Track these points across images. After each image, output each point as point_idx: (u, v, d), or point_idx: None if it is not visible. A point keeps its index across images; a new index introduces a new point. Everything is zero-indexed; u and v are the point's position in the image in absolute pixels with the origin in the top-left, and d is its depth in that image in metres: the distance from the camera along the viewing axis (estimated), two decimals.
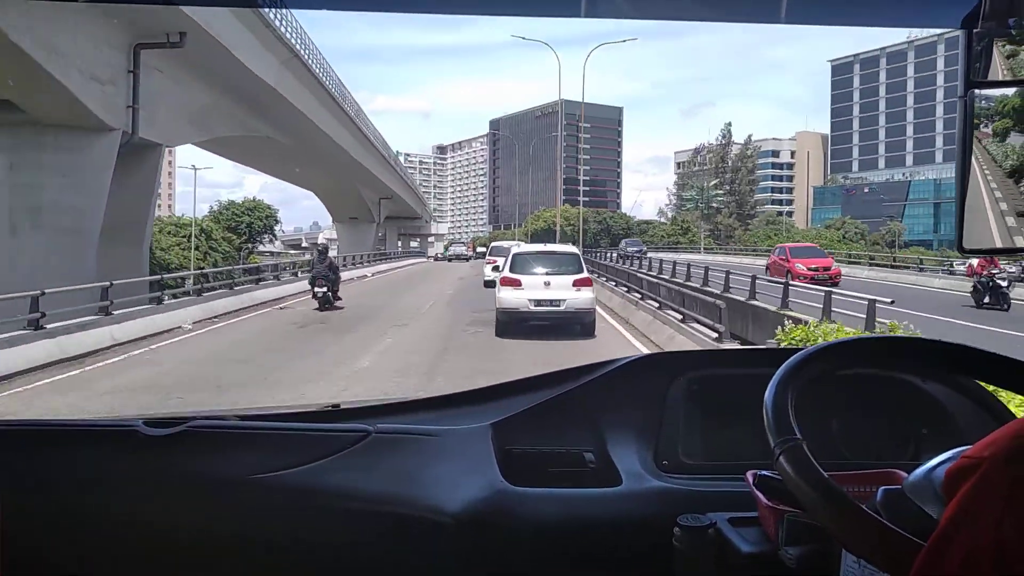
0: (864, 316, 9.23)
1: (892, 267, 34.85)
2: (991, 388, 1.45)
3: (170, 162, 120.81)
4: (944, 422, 1.47)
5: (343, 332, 14.95)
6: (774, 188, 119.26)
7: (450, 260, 61.04)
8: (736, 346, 10.69)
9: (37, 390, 9.49)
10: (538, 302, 13.79)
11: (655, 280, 17.11)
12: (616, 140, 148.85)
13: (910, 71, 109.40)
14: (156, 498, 1.38)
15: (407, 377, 9.73)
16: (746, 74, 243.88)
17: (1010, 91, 0.94)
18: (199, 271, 19.99)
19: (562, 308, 13.82)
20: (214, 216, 50.27)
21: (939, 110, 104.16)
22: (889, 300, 9.27)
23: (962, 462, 0.75)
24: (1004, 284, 18.37)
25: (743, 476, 1.22)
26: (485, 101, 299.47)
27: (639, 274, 19.68)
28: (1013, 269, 20.81)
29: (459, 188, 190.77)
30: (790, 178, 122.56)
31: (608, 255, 40.18)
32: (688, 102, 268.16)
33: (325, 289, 18.55)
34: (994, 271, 18.71)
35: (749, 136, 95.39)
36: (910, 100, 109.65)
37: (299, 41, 27.54)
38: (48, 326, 11.54)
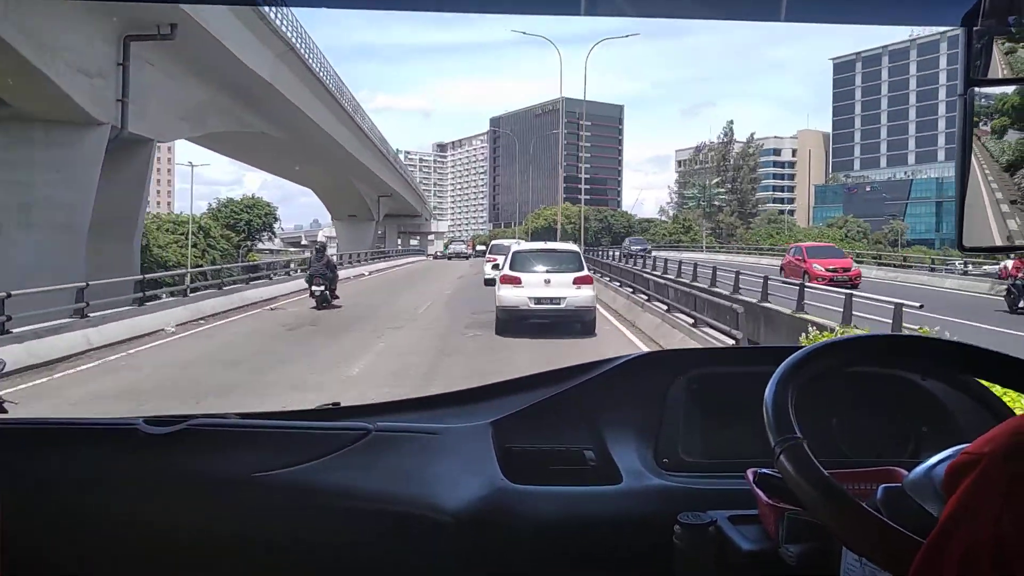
0: (890, 321, 8.59)
1: (901, 267, 34.23)
2: (996, 388, 1.43)
3: (169, 159, 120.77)
4: (944, 420, 1.47)
5: (334, 335, 14.38)
6: (775, 186, 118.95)
7: (450, 258, 61.33)
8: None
9: None
10: (538, 300, 13.74)
11: (663, 281, 16.35)
12: (617, 138, 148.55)
13: (912, 69, 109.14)
14: (156, 497, 1.38)
15: (399, 388, 9.20)
16: (747, 73, 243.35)
17: (1010, 89, 0.95)
18: (182, 271, 19.26)
19: (562, 306, 13.79)
20: (212, 213, 49.91)
21: (942, 108, 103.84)
22: (918, 304, 8.63)
23: (962, 458, 0.75)
24: None
25: (743, 474, 1.21)
26: (486, 99, 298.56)
27: (645, 274, 18.92)
28: None
29: (459, 186, 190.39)
30: (791, 176, 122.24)
31: (610, 254, 39.66)
32: (688, 101, 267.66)
33: (323, 287, 18.43)
34: None
35: (752, 134, 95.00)
36: (912, 98, 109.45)
37: (295, 35, 27.08)
38: (15, 330, 10.88)
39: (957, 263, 32.19)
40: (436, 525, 1.33)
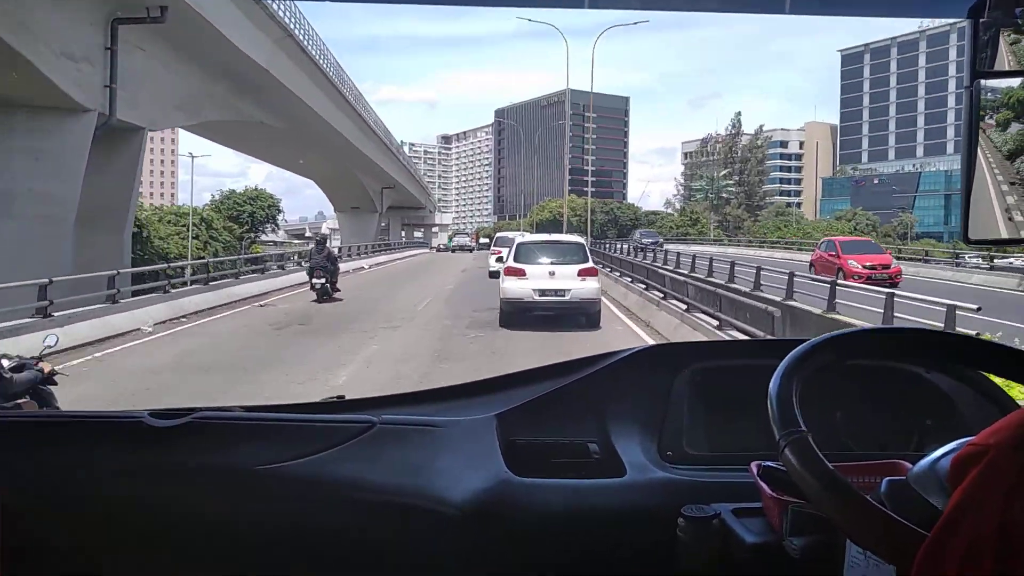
0: (940, 325, 7.64)
1: (923, 261, 33.32)
2: (1000, 381, 1.39)
3: (173, 151, 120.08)
4: (949, 413, 1.46)
5: (323, 336, 13.49)
6: (782, 179, 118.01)
7: (453, 251, 60.56)
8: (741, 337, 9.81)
9: None
10: (543, 292, 13.61)
11: (680, 277, 15.35)
12: (623, 130, 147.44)
13: (921, 60, 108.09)
14: (161, 490, 1.37)
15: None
16: (754, 65, 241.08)
17: (1016, 81, 0.94)
18: (163, 266, 18.29)
19: (567, 298, 13.65)
20: (215, 205, 49.14)
21: (951, 100, 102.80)
22: (975, 307, 7.67)
23: (968, 449, 0.75)
24: None
25: (747, 467, 1.19)
26: (491, 91, 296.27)
27: (662, 270, 17.87)
28: None
29: (464, 178, 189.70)
30: (799, 169, 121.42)
31: (618, 247, 38.71)
32: (695, 93, 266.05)
33: (323, 280, 18.29)
34: None
35: (760, 126, 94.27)
36: (921, 90, 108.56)
37: (293, 20, 26.16)
38: None
39: (975, 257, 31.03)
40: (441, 517, 1.32)
